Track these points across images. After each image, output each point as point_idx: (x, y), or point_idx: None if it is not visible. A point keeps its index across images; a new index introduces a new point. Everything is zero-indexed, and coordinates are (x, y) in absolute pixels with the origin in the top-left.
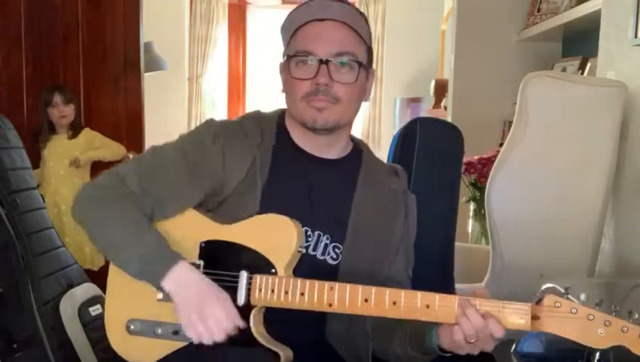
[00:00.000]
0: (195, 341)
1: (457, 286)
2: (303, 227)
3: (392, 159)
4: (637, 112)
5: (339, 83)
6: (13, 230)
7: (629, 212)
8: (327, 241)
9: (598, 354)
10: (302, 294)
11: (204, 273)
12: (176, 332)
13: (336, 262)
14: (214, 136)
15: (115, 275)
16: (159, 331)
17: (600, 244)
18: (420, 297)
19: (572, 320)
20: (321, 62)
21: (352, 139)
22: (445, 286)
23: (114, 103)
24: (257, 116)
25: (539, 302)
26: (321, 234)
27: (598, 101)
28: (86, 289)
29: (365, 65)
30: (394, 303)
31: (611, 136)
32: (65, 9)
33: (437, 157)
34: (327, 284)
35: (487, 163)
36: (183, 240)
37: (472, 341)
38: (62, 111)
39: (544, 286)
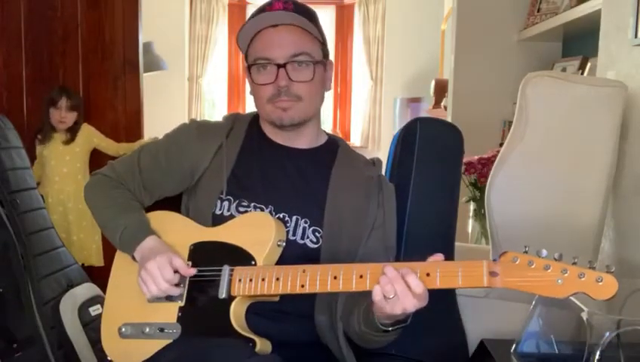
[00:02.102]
0: (145, 293)
1: None
2: (280, 213)
3: (392, 159)
4: (637, 112)
5: (298, 82)
6: (13, 230)
7: (629, 212)
8: (306, 225)
9: (598, 354)
10: (277, 279)
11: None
12: (162, 330)
13: (317, 245)
14: (188, 131)
15: (113, 282)
16: (147, 330)
17: (600, 244)
18: (356, 270)
19: (530, 273)
20: (278, 66)
21: (329, 134)
22: None
23: (113, 103)
24: (232, 114)
25: (497, 260)
26: (299, 218)
27: (598, 101)
28: (86, 289)
29: (321, 61)
30: (360, 276)
31: (611, 136)
32: (64, 9)
33: (437, 157)
34: (300, 268)
35: (487, 163)
36: (174, 245)
37: (390, 296)
38: (63, 116)
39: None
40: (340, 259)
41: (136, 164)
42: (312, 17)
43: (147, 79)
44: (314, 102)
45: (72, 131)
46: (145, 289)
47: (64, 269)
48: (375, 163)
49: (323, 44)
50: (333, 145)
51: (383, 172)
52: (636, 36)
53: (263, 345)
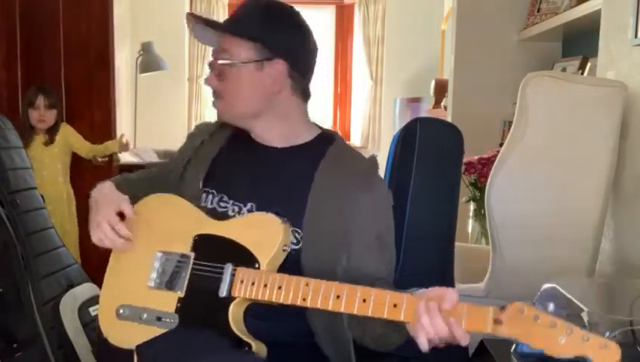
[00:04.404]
0: (95, 241)
1: (457, 286)
2: (259, 210)
3: (392, 159)
4: (637, 112)
5: (218, 81)
6: (13, 230)
7: (629, 212)
8: None
9: None
10: (279, 288)
11: (195, 264)
12: (159, 319)
13: (298, 246)
14: (188, 134)
15: (114, 262)
16: (144, 316)
17: (600, 244)
18: (389, 297)
19: (535, 327)
20: (210, 66)
21: (325, 131)
22: (445, 286)
23: (89, 101)
24: None
25: (504, 308)
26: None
27: (598, 101)
28: (86, 289)
29: (248, 61)
30: (364, 301)
31: (611, 136)
32: (51, 4)
33: (437, 157)
34: (303, 280)
35: (487, 163)
36: (178, 232)
37: (441, 345)
38: (42, 115)
39: (544, 286)
40: (322, 260)
41: (145, 170)
42: (252, 18)
43: (147, 79)
44: (240, 100)
45: (52, 132)
46: (93, 238)
47: (64, 269)
48: (369, 160)
49: (259, 45)
50: (324, 143)
51: (383, 172)
52: (636, 36)
53: (258, 348)
